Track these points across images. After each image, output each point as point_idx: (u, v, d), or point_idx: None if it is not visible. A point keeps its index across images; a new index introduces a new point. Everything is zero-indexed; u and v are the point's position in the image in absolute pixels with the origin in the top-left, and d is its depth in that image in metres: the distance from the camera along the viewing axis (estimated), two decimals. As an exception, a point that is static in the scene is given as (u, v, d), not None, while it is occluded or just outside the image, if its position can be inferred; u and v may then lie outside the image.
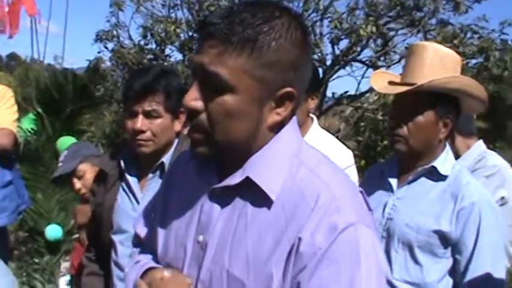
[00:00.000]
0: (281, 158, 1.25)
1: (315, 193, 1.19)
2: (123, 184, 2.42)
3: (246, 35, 1.16)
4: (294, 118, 1.32)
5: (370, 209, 1.29)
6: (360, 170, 7.23)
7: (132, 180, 2.40)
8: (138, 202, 2.37)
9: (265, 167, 1.24)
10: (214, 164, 1.32)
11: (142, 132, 2.27)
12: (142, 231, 1.58)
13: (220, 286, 1.24)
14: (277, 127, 1.25)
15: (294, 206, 1.20)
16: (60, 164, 3.29)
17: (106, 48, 8.68)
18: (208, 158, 1.29)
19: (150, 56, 8.44)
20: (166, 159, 2.36)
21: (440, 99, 2.15)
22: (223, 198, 1.28)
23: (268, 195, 1.21)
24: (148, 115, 2.27)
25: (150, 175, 2.39)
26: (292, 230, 1.18)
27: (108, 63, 8.95)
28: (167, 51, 8.42)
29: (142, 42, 8.44)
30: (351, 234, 1.16)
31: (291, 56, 1.20)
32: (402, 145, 2.20)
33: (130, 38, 8.70)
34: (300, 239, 1.16)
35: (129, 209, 2.38)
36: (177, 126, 2.37)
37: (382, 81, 2.37)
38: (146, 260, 1.47)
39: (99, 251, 2.60)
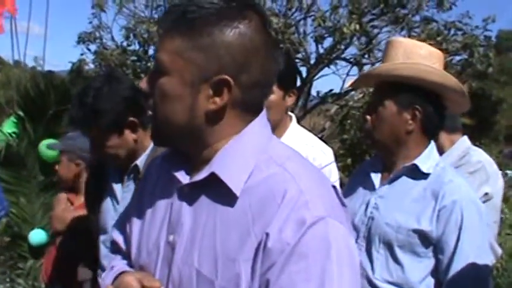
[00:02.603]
0: (248, 153, 1.24)
1: (282, 188, 1.17)
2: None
3: (183, 19, 1.20)
4: (263, 113, 1.31)
5: (343, 205, 1.26)
6: (347, 168, 7.23)
7: (115, 185, 2.45)
8: (118, 203, 2.43)
9: (231, 163, 1.23)
10: (185, 162, 1.31)
11: (100, 155, 2.37)
12: (119, 237, 1.56)
13: (190, 286, 1.22)
14: (215, 118, 1.23)
15: (261, 201, 1.18)
16: (69, 132, 3.33)
17: (89, 50, 8.62)
18: (162, 146, 1.37)
19: (133, 58, 8.38)
20: (140, 161, 2.38)
21: (400, 89, 2.12)
22: (191, 196, 1.27)
23: (233, 191, 1.20)
24: (95, 141, 2.32)
25: (126, 177, 2.42)
26: (259, 226, 1.15)
27: (92, 66, 8.87)
28: (150, 52, 8.35)
29: (125, 44, 8.38)
30: (320, 229, 1.13)
31: (231, 44, 1.19)
32: (368, 139, 2.19)
33: (113, 39, 8.64)
34: (267, 234, 1.14)
35: (112, 210, 2.44)
36: (131, 136, 2.35)
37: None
38: (121, 266, 1.45)
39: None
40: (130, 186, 2.39)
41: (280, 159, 1.23)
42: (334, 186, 1.27)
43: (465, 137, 3.58)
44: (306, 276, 1.11)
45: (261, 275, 1.14)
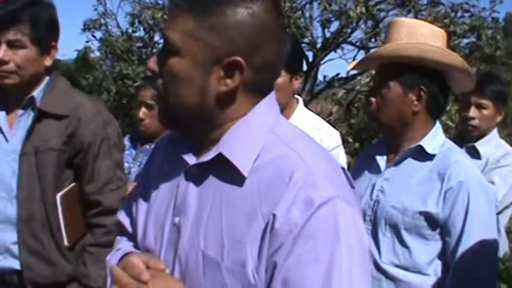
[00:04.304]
0: (255, 134, 1.22)
1: (290, 168, 1.15)
2: None
3: None
4: (272, 94, 1.29)
5: (352, 186, 1.24)
6: (355, 152, 7.20)
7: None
8: (6, 140, 2.30)
9: (239, 143, 1.21)
10: (192, 144, 1.30)
11: (5, 63, 2.21)
12: (125, 219, 1.54)
13: (196, 268, 1.21)
14: (226, 99, 1.21)
15: (269, 182, 1.16)
16: None
17: (94, 37, 8.59)
18: (170, 128, 1.33)
19: (139, 44, 8.34)
20: (37, 94, 2.31)
21: (405, 70, 2.10)
22: (198, 177, 1.26)
23: (240, 172, 1.18)
24: (12, 45, 2.21)
25: (20, 111, 2.32)
26: (267, 207, 1.14)
27: (97, 53, 8.84)
28: (156, 38, 8.32)
29: (130, 30, 8.34)
30: (329, 210, 1.11)
31: (243, 25, 1.16)
32: (373, 121, 2.16)
33: (118, 26, 8.60)
34: (274, 215, 1.12)
35: None
36: (47, 60, 2.32)
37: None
38: (127, 247, 1.44)
39: None
40: (24, 121, 2.30)
41: (288, 140, 1.22)
42: (343, 168, 1.25)
43: (496, 128, 3.50)
44: (315, 257, 1.09)
45: (268, 257, 1.13)
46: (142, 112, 3.32)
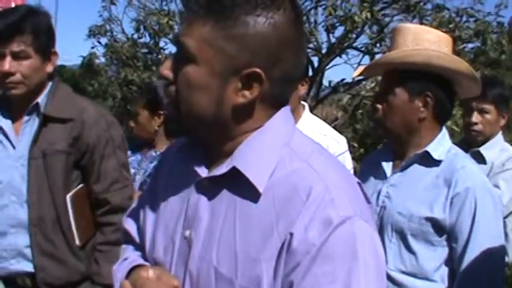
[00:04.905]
0: (271, 148, 1.18)
1: (307, 185, 1.12)
2: None
3: (216, 4, 1.12)
4: (287, 106, 1.25)
5: (368, 202, 1.21)
6: (360, 158, 7.19)
7: (5, 124, 2.36)
8: (13, 147, 2.33)
9: (254, 157, 1.17)
10: (203, 155, 1.27)
11: (12, 74, 2.24)
12: (132, 227, 1.51)
13: (208, 284, 1.17)
14: (243, 111, 1.18)
15: (285, 199, 1.12)
16: None
17: (99, 43, 8.60)
18: (180, 135, 1.30)
19: (144, 50, 8.35)
20: (41, 100, 2.34)
21: (411, 76, 2.09)
22: (211, 190, 1.22)
23: (256, 187, 1.15)
24: (16, 56, 2.24)
25: (26, 117, 2.35)
26: (283, 224, 1.10)
27: (102, 59, 8.85)
28: (161, 44, 8.34)
29: (135, 36, 8.35)
30: (347, 229, 1.08)
31: (264, 35, 1.12)
32: (379, 128, 2.16)
33: (123, 32, 8.61)
34: (291, 234, 1.09)
35: (4, 156, 2.33)
36: (48, 67, 2.35)
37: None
38: (134, 257, 1.41)
39: None
40: (29, 127, 2.33)
41: (304, 154, 1.18)
42: (359, 182, 1.23)
43: (500, 132, 3.49)
44: (332, 278, 1.07)
45: (284, 276, 1.10)
46: (132, 121, 3.52)
